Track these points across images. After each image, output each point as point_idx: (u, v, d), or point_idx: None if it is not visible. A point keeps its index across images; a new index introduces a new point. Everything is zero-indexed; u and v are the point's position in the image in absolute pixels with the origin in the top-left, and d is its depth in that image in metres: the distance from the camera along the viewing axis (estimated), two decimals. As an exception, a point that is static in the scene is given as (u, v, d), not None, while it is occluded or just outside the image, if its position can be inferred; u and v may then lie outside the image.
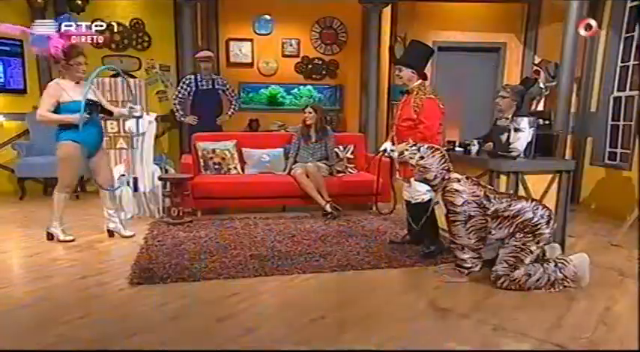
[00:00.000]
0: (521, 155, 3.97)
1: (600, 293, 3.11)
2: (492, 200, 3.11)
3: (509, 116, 4.34)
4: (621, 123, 5.69)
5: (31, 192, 6.24)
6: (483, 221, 3.12)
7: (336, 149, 5.60)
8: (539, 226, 3.02)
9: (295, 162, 5.41)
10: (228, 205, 5.26)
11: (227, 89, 6.17)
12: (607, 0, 5.82)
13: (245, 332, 2.52)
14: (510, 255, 3.07)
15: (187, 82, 6.07)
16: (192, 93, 6.07)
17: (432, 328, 2.63)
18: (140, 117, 4.34)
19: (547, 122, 6.07)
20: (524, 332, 2.54)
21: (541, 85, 6.66)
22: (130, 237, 4.21)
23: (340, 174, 5.51)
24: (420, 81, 3.69)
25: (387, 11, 7.23)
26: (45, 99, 3.85)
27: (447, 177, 3.26)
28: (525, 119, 4.02)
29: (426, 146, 3.32)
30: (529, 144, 3.99)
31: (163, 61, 7.06)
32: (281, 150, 5.61)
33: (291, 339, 2.46)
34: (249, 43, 7.49)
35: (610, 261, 3.84)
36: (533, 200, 3.20)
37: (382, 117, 7.54)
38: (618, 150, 5.73)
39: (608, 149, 5.88)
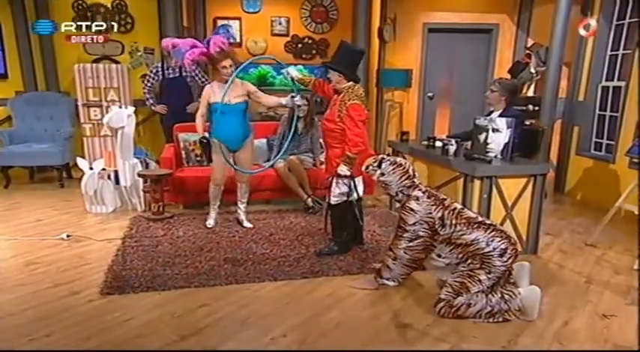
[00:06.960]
0: (498, 156, 3.95)
1: (563, 304, 3.14)
2: (447, 225, 2.96)
3: (499, 111, 4.26)
4: (608, 113, 5.62)
5: (19, 177, 6.25)
6: (429, 243, 3.03)
7: (321, 140, 5.50)
8: (490, 258, 2.87)
9: (278, 153, 5.36)
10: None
11: (196, 75, 5.90)
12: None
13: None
14: (457, 280, 2.94)
15: (154, 70, 5.93)
16: (158, 82, 5.96)
17: (390, 347, 2.68)
18: (300, 105, 4.32)
19: (537, 108, 6.03)
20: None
21: (532, 70, 6.55)
22: (250, 228, 4.51)
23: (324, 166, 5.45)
24: (349, 83, 3.67)
25: (377, -10, 7.06)
26: (201, 102, 4.25)
27: (408, 193, 3.13)
28: (503, 119, 3.98)
29: (388, 162, 3.20)
30: (506, 144, 3.98)
31: (147, 43, 6.93)
32: (264, 141, 5.55)
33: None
34: (237, 21, 7.36)
35: (581, 263, 3.88)
36: (494, 229, 2.94)
37: (372, 101, 7.46)
38: (604, 141, 5.67)
39: (594, 139, 5.83)
